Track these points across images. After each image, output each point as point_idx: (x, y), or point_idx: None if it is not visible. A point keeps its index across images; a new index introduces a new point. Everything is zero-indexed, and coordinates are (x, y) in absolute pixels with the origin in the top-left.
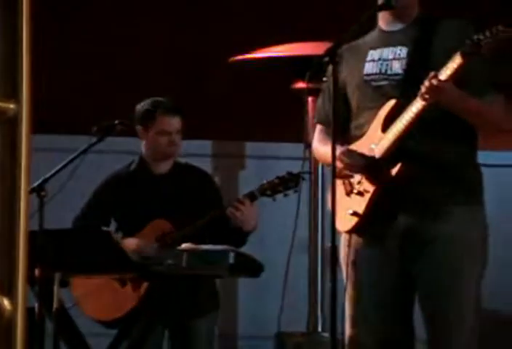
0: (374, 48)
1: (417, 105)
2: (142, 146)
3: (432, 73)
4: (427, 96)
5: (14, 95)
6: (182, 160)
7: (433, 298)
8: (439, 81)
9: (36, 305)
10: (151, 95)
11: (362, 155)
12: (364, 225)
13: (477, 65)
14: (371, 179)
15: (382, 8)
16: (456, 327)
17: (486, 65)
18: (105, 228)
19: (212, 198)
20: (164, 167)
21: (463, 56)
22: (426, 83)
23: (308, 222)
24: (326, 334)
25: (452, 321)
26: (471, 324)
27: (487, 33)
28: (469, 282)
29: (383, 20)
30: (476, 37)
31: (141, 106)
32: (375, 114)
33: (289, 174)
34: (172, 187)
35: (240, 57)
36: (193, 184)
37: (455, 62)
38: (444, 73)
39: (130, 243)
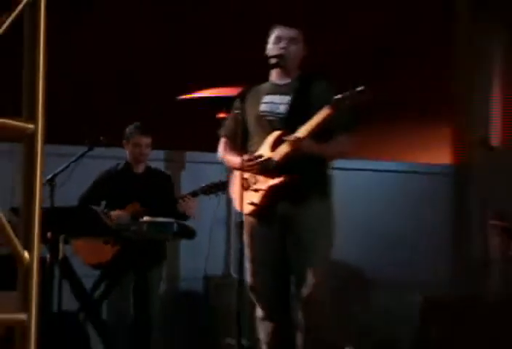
0: (267, 94)
1: (292, 138)
2: (127, 154)
3: (294, 136)
4: (295, 144)
5: (31, 117)
6: (151, 164)
7: (299, 256)
8: (299, 140)
9: (48, 256)
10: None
11: (260, 159)
12: (258, 211)
13: (337, 114)
14: (264, 180)
15: (274, 66)
16: (313, 273)
17: (344, 114)
18: (93, 207)
19: (169, 191)
20: (140, 168)
21: (331, 108)
22: (292, 138)
23: (226, 206)
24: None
25: (312, 268)
26: (322, 271)
27: (346, 94)
28: (321, 247)
29: (274, 75)
30: (339, 96)
31: (128, 128)
32: (265, 138)
33: (221, 182)
34: (145, 182)
35: (186, 96)
36: (159, 181)
37: (325, 112)
38: (305, 129)
39: (114, 214)
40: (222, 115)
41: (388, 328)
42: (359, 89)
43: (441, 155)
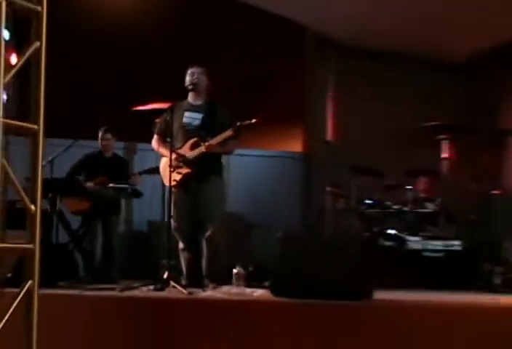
0: (187, 111)
1: (204, 146)
2: (99, 145)
3: (207, 143)
4: (208, 148)
5: (36, 120)
6: (116, 151)
7: (204, 211)
8: (211, 145)
9: (48, 208)
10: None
11: (184, 156)
12: (179, 185)
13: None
14: (183, 168)
15: (190, 91)
16: (212, 221)
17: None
18: (77, 177)
19: (125, 169)
20: (108, 154)
21: (233, 131)
22: (207, 144)
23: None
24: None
25: (211, 218)
26: (218, 220)
27: (246, 123)
28: (217, 206)
29: (190, 97)
30: (240, 123)
31: (99, 130)
32: (185, 140)
33: (156, 167)
34: (111, 163)
35: (137, 108)
36: (119, 163)
37: (228, 132)
38: (215, 140)
39: (91, 182)
40: (157, 120)
41: (262, 254)
42: (253, 120)
43: (296, 146)
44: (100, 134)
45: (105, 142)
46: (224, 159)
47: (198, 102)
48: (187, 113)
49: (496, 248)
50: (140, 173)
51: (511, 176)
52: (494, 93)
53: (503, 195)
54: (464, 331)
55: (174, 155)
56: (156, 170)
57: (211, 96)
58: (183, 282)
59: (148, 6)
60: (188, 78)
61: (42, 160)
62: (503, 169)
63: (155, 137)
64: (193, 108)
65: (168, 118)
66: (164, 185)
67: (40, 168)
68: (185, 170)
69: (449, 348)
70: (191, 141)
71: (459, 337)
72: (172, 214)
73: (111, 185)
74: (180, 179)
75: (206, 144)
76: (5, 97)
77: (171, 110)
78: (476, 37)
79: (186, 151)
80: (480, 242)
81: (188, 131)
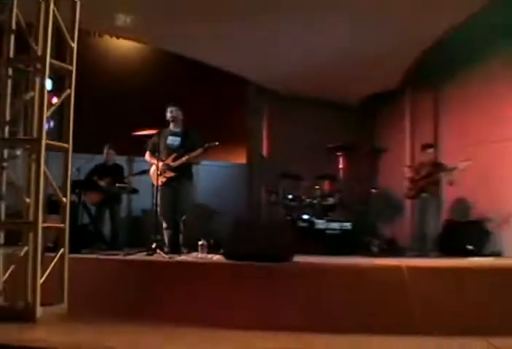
0: (170, 135)
1: (183, 159)
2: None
3: (186, 156)
4: (188, 159)
5: (66, 140)
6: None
7: (180, 202)
8: (189, 157)
9: (76, 200)
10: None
11: (169, 164)
12: (164, 185)
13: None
14: (168, 173)
15: (171, 121)
16: (185, 209)
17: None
18: (92, 177)
19: (122, 173)
20: (110, 163)
21: (203, 150)
22: (187, 157)
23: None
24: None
25: (185, 207)
26: (189, 208)
27: (212, 144)
28: (189, 199)
29: (171, 126)
30: (207, 144)
31: (104, 146)
32: (169, 156)
33: (147, 170)
34: (113, 169)
35: (135, 133)
36: (119, 169)
37: (200, 150)
38: (192, 155)
39: (102, 181)
40: (150, 141)
41: (219, 231)
42: (217, 143)
43: (241, 159)
44: (105, 150)
45: (109, 155)
46: (194, 168)
47: (177, 129)
48: (170, 137)
49: (373, 227)
50: (134, 174)
51: (383, 179)
52: (371, 124)
53: (378, 192)
54: (358, 282)
55: (161, 165)
56: (144, 172)
57: (185, 125)
58: (166, 250)
59: (144, 68)
60: (168, 114)
61: (71, 168)
62: (378, 174)
63: (147, 152)
64: (173, 134)
65: (156, 140)
66: (153, 185)
67: (69, 173)
68: (168, 174)
69: (347, 297)
70: (173, 155)
71: (352, 288)
72: (159, 204)
73: (117, 184)
74: (165, 181)
75: (187, 157)
76: (51, 125)
77: (158, 134)
78: (365, 88)
79: (169, 162)
80: (363, 223)
81: (171, 150)
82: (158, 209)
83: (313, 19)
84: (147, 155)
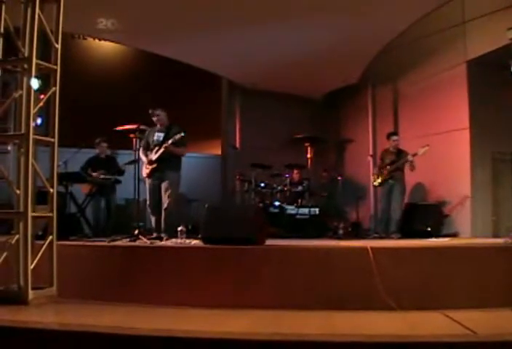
0: (157, 132)
1: (160, 151)
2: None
3: (165, 144)
4: (166, 148)
5: (53, 134)
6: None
7: (165, 191)
8: (167, 146)
9: (64, 190)
10: None
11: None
12: (149, 175)
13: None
14: (153, 164)
15: (157, 122)
16: (169, 197)
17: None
18: (86, 170)
19: (116, 164)
20: (103, 156)
21: (180, 137)
22: (165, 145)
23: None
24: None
25: (170, 195)
26: (173, 196)
27: (177, 135)
28: (174, 188)
29: (158, 125)
30: (175, 136)
31: (96, 139)
32: (154, 149)
33: (136, 159)
34: (106, 161)
35: (120, 127)
36: (111, 161)
37: (169, 141)
38: (168, 142)
39: (96, 173)
40: (132, 135)
41: (197, 217)
42: (182, 134)
43: (216, 151)
44: (96, 142)
45: (100, 148)
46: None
47: (162, 127)
48: (156, 134)
49: (339, 212)
50: (125, 164)
51: (348, 168)
52: (337, 117)
53: (343, 179)
54: (326, 262)
55: (147, 160)
56: (133, 162)
57: (170, 121)
58: (155, 235)
59: (129, 69)
60: (154, 118)
61: (57, 161)
62: (343, 163)
63: (141, 149)
64: (160, 130)
65: (147, 138)
66: (139, 177)
67: (56, 166)
68: (151, 166)
69: (316, 276)
70: (155, 149)
71: (320, 268)
72: (146, 194)
73: (106, 176)
74: (148, 172)
75: (164, 145)
76: (39, 122)
77: (148, 133)
78: (328, 84)
79: (153, 155)
80: (330, 208)
81: (156, 145)
82: (148, 200)
83: (281, 23)
84: (140, 152)
